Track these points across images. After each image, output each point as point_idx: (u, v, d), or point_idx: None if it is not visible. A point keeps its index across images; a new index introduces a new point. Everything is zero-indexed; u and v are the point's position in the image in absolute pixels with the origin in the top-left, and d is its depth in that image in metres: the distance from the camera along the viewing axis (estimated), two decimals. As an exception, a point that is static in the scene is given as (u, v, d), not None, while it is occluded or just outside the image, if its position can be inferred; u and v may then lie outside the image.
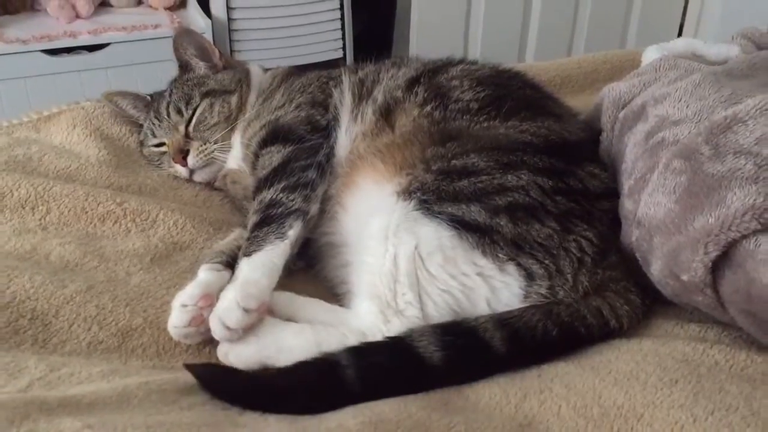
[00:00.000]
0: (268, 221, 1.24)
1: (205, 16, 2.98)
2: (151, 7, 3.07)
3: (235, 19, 3.06)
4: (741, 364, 1.03)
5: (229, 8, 3.03)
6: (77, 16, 2.91)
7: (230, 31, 3.04)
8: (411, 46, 3.40)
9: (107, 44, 2.79)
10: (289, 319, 1.16)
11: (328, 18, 3.22)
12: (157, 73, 2.77)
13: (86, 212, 1.35)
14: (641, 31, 3.67)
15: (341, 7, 3.22)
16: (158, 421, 0.83)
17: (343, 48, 3.30)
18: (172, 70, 2.76)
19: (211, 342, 1.14)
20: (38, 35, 2.73)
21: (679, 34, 3.69)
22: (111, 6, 3.07)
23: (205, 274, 1.20)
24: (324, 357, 1.03)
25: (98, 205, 1.36)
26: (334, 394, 0.98)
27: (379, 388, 1.00)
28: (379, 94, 1.40)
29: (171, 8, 3.05)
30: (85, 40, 2.78)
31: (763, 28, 1.74)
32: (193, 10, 3.05)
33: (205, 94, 1.55)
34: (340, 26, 3.26)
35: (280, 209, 1.25)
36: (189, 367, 1.01)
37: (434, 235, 1.14)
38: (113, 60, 2.80)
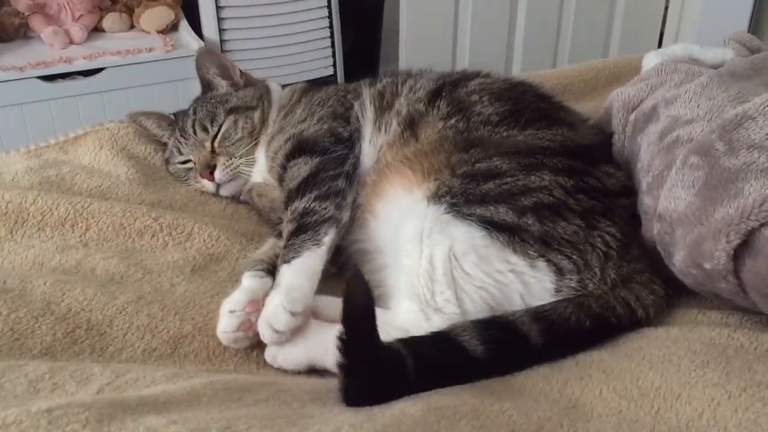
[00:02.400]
0: (304, 229, 1.29)
1: (197, 37, 3.01)
2: (143, 30, 3.09)
3: (226, 40, 3.11)
4: (765, 345, 1.09)
5: (220, 29, 3.08)
6: (71, 42, 2.93)
7: (222, 51, 3.08)
8: (400, 62, 3.47)
9: (102, 69, 2.81)
10: (332, 321, 1.20)
11: (318, 36, 3.28)
12: (152, 95, 2.86)
13: (124, 228, 1.39)
14: (623, 40, 3.77)
15: (330, 26, 3.29)
16: (235, 415, 0.88)
17: (334, 65, 3.36)
18: (168, 92, 2.83)
19: (258, 346, 1.19)
20: (34, 62, 2.74)
21: (659, 44, 3.79)
22: (104, 31, 3.09)
23: (249, 281, 1.25)
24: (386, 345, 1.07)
25: (135, 220, 1.40)
26: (396, 381, 1.04)
27: (430, 379, 1.05)
28: (402, 107, 1.46)
29: (163, 31, 3.07)
30: (81, 65, 2.80)
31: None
32: (186, 33, 3.08)
33: (229, 111, 1.60)
34: (329, 44, 3.32)
35: (314, 217, 1.31)
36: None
37: (467, 236, 1.20)
38: (109, 84, 2.83)
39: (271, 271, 1.28)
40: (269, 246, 1.38)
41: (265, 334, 1.15)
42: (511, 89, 1.50)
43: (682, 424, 0.95)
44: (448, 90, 1.47)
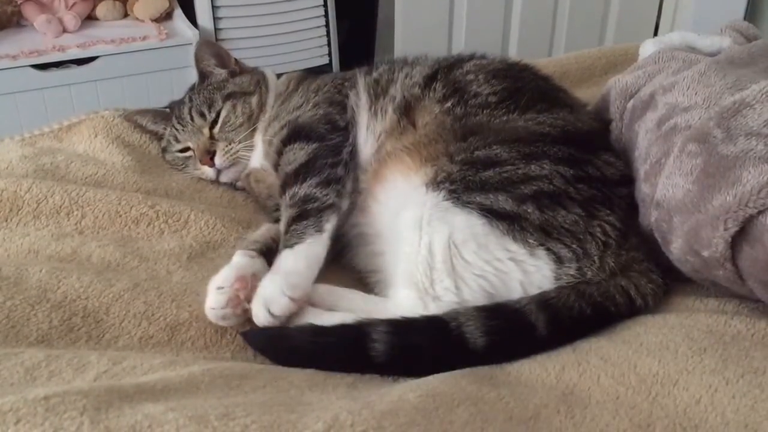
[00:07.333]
0: (306, 215, 1.29)
1: (191, 26, 3.00)
2: (137, 19, 3.07)
3: (221, 29, 3.09)
4: (762, 332, 1.10)
5: (215, 18, 3.06)
6: (64, 31, 2.91)
7: (217, 40, 3.06)
8: (396, 51, 3.45)
9: (96, 57, 2.80)
10: (329, 309, 1.20)
11: (313, 25, 3.27)
12: (146, 84, 2.85)
13: (120, 215, 1.38)
14: (619, 29, 3.76)
15: (326, 15, 3.27)
16: (233, 402, 0.87)
17: (329, 54, 3.35)
18: (162, 81, 2.82)
19: (248, 326, 1.18)
20: (27, 50, 2.72)
21: (655, 32, 3.78)
22: (97, 19, 3.07)
23: (238, 258, 1.25)
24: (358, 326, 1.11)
25: (131, 208, 1.39)
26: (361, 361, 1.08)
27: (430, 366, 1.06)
28: (396, 93, 1.45)
29: (157, 20, 3.06)
30: (74, 53, 2.79)
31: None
32: (180, 21, 3.07)
33: (227, 97, 1.59)
34: (325, 33, 3.31)
35: (316, 204, 1.31)
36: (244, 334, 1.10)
37: (467, 224, 1.19)
38: (102, 73, 2.82)
39: (264, 252, 1.28)
40: (266, 228, 1.37)
41: (260, 316, 1.14)
42: (508, 68, 1.50)
43: (679, 410, 0.95)
44: (444, 72, 1.46)
